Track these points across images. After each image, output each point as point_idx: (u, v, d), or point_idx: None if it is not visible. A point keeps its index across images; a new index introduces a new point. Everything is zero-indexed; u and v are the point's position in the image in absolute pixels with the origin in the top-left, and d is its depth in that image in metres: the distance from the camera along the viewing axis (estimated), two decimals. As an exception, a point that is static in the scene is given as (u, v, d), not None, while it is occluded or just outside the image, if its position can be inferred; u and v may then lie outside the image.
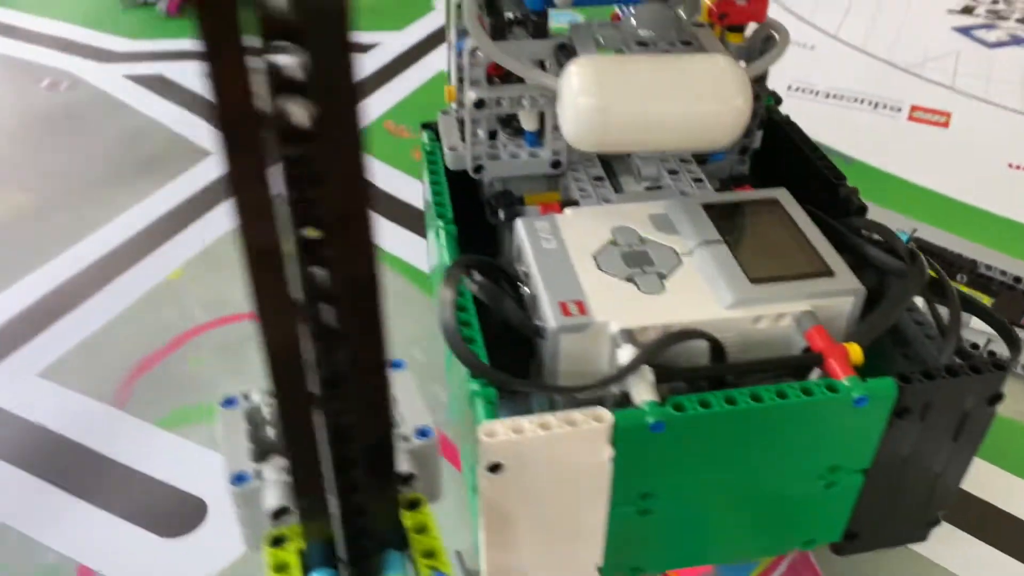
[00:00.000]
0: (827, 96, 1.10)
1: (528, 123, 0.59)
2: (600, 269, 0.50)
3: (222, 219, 0.87)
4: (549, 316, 0.46)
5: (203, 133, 1.01)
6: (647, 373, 0.43)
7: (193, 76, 1.12)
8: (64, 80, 1.11)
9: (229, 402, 0.43)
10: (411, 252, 0.83)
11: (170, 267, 0.81)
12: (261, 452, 0.41)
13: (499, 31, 0.58)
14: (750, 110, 0.51)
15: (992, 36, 1.26)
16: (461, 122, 0.60)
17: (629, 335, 0.45)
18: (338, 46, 0.22)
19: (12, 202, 0.89)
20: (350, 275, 0.27)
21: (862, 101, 1.09)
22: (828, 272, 0.49)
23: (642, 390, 0.42)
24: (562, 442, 0.40)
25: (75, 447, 0.65)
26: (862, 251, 0.53)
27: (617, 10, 0.63)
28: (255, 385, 0.42)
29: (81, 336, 0.74)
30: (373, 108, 1.06)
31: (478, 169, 0.59)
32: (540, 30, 0.59)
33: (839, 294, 0.48)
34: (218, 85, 0.22)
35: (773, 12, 0.60)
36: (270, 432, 0.42)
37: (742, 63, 0.59)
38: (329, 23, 0.22)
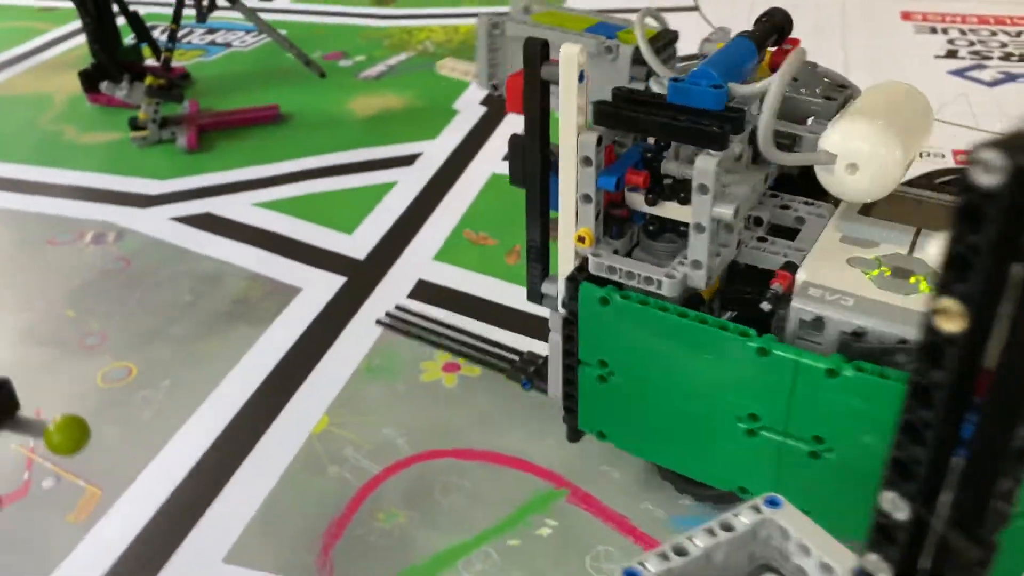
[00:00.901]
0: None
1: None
2: (906, 295, 0.53)
3: (345, 356, 0.83)
4: None
5: (280, 269, 0.96)
6: None
7: (242, 209, 1.08)
8: (108, 231, 1.04)
9: (632, 574, 0.40)
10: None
11: (311, 419, 0.76)
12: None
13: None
14: None
15: (986, 76, 1.34)
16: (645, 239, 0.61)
17: None
18: None
19: (111, 373, 0.82)
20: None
21: (908, 152, 1.14)
22: None
23: None
24: None
25: (298, 637, 0.59)
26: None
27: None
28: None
29: (250, 512, 0.68)
30: (448, 219, 1.04)
31: (708, 280, 0.58)
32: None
33: None
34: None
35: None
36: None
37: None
38: None
